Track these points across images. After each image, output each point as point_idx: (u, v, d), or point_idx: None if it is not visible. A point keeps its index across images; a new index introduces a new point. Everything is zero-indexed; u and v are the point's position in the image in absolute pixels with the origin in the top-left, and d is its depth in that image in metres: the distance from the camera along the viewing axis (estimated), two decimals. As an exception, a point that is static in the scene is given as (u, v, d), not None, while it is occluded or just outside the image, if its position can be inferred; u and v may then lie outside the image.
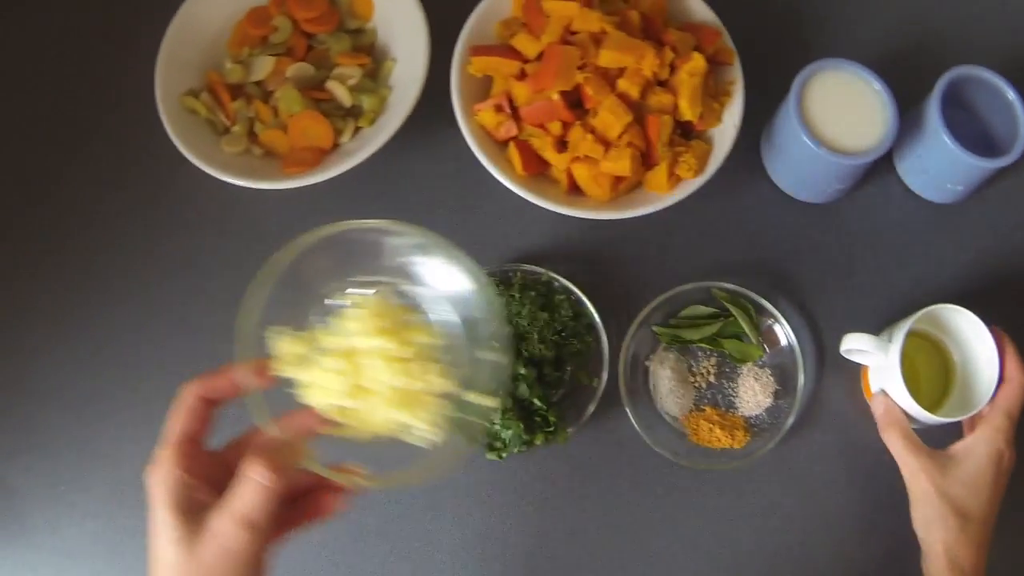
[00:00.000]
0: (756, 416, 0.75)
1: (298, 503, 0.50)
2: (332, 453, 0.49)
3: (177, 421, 0.49)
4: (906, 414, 0.71)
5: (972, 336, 0.72)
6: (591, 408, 0.72)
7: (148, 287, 0.79)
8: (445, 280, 0.53)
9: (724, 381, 0.76)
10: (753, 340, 0.75)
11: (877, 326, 0.76)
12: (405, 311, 0.52)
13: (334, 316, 0.51)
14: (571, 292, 0.75)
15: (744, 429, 0.74)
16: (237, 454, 0.49)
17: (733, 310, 0.75)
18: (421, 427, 0.49)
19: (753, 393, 0.75)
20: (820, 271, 0.79)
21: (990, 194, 0.81)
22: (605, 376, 0.73)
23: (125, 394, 0.77)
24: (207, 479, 0.47)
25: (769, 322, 0.76)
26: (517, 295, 0.73)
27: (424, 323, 0.52)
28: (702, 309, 0.76)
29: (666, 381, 0.74)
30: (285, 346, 0.50)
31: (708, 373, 0.76)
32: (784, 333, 0.75)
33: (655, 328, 0.76)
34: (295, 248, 0.51)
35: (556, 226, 0.79)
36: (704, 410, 0.75)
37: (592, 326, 0.75)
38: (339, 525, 0.73)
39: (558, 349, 0.73)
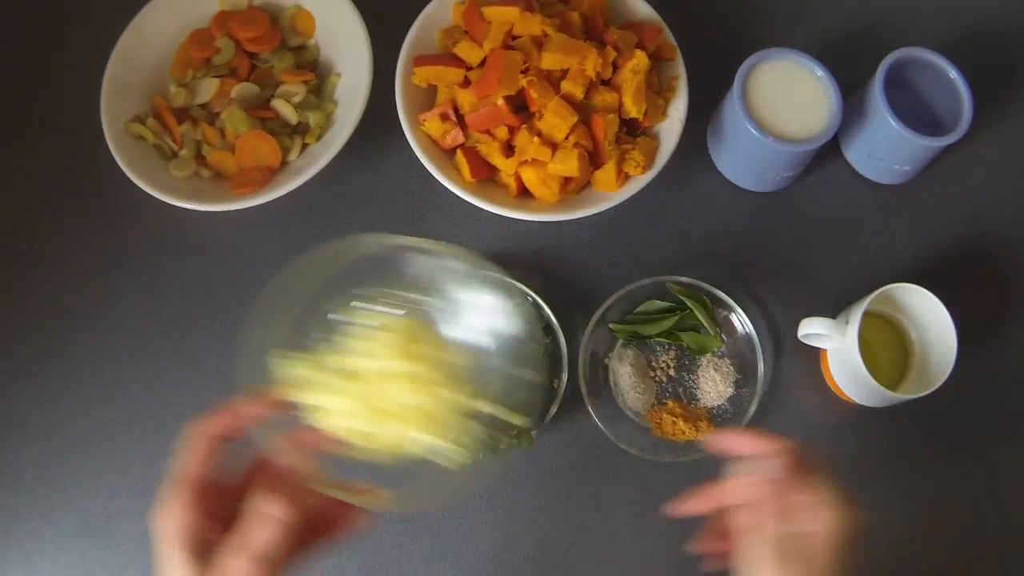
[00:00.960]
0: (719, 406, 0.76)
1: (318, 524, 0.49)
2: (358, 476, 0.47)
3: (183, 460, 0.47)
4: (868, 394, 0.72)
5: (928, 313, 0.73)
6: (553, 409, 0.73)
7: (103, 314, 0.79)
8: (477, 298, 0.51)
9: (684, 373, 0.76)
10: (711, 331, 0.76)
11: (834, 310, 0.77)
12: (428, 330, 0.50)
13: (343, 334, 0.49)
14: (527, 295, 0.75)
15: (707, 420, 0.75)
16: (246, 484, 0.48)
17: (689, 303, 0.75)
18: (449, 448, 0.48)
19: (714, 383, 0.75)
20: (774, 259, 0.80)
21: (937, 173, 0.82)
22: (565, 376, 0.74)
23: (87, 424, 0.77)
24: (218, 516, 0.46)
25: (726, 312, 0.76)
26: None
27: (452, 342, 0.50)
28: (658, 304, 0.76)
29: (626, 377, 0.75)
30: (292, 370, 0.48)
31: (668, 367, 0.76)
32: (741, 322, 0.76)
33: (612, 325, 0.76)
34: (308, 264, 0.48)
35: (508, 230, 0.79)
36: (666, 404, 0.75)
37: (550, 328, 0.75)
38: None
39: None
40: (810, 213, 0.81)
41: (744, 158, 0.78)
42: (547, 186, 0.73)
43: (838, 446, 0.76)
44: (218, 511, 0.46)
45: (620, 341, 0.76)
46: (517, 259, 0.79)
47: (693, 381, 0.76)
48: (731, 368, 0.76)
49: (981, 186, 0.82)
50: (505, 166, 0.74)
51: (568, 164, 0.72)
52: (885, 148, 0.78)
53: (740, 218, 0.81)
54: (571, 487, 0.74)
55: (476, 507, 0.74)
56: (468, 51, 0.75)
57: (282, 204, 0.74)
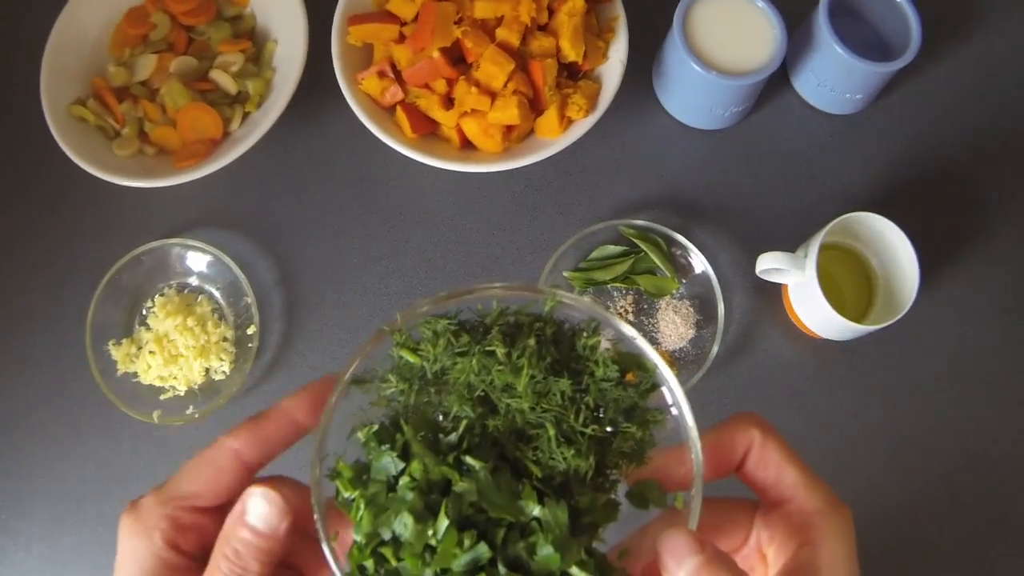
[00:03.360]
0: (680, 349, 0.74)
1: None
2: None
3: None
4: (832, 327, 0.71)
5: (888, 241, 0.72)
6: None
7: (57, 301, 0.78)
8: (211, 266, 0.77)
9: (644, 318, 0.75)
10: (667, 273, 0.75)
11: (793, 244, 0.75)
12: (188, 298, 0.77)
13: (150, 318, 0.76)
14: (609, 325, 0.37)
15: (670, 363, 0.74)
16: None
17: (643, 245, 0.74)
18: (219, 364, 0.75)
19: (675, 326, 0.74)
20: (729, 196, 0.79)
21: (891, 100, 0.80)
22: (699, 486, 0.35)
23: (48, 412, 0.76)
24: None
25: (682, 253, 0.75)
26: (502, 351, 0.34)
27: (203, 300, 0.77)
28: (611, 249, 0.75)
29: (583, 324, 0.74)
30: (120, 352, 0.75)
31: (626, 312, 0.75)
32: (698, 262, 0.75)
33: (566, 274, 0.75)
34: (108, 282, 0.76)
35: (455, 184, 0.78)
36: (626, 349, 0.74)
37: (658, 385, 0.36)
38: None
39: (600, 448, 0.35)
40: (763, 148, 0.80)
41: (691, 96, 0.77)
42: (489, 136, 0.72)
43: (804, 382, 0.75)
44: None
45: (576, 290, 0.75)
46: (466, 212, 0.78)
47: (653, 325, 0.75)
48: (691, 309, 0.75)
49: (934, 111, 0.81)
50: (446, 119, 0.73)
51: (508, 112, 0.71)
52: (835, 77, 0.77)
53: (691, 157, 0.80)
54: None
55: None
56: (401, 6, 0.74)
57: (227, 173, 0.73)
